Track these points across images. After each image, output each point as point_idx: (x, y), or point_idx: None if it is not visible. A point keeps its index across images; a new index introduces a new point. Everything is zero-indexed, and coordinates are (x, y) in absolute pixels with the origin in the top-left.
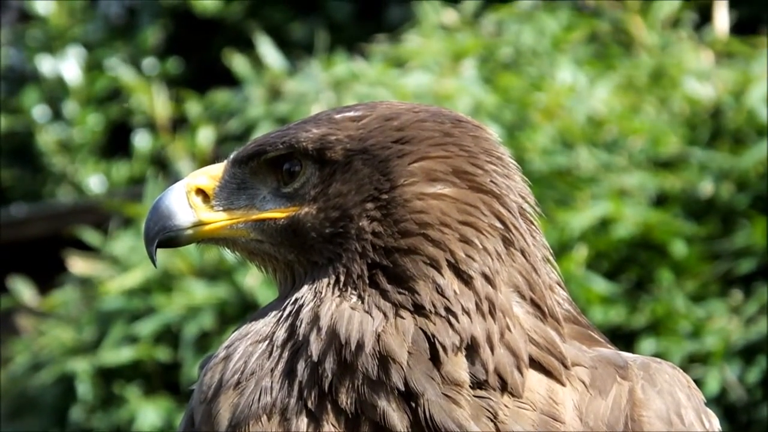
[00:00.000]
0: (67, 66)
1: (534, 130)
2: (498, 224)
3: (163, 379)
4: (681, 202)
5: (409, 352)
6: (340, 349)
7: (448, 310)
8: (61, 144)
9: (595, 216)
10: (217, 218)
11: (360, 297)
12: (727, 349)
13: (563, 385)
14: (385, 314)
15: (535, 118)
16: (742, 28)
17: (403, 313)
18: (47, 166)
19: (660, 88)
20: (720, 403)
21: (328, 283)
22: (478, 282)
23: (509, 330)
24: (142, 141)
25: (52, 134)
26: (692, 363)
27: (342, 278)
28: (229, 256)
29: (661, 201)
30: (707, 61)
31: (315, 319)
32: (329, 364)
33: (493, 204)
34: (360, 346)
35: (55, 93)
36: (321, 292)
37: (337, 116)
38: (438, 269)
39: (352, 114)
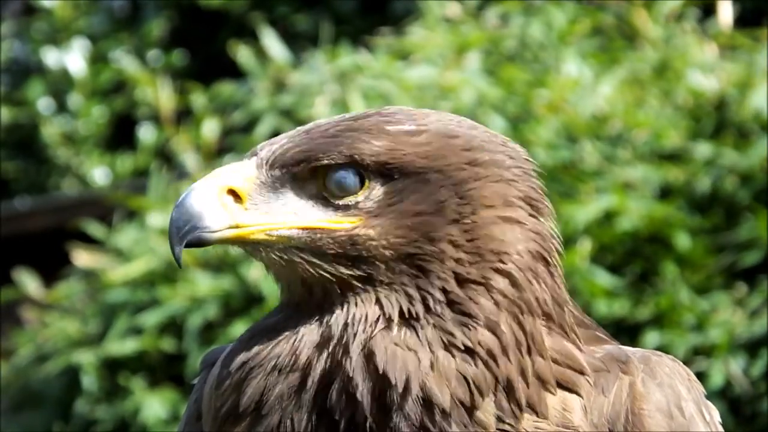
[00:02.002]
0: (72, 58)
1: (538, 123)
2: (551, 249)
3: (167, 371)
4: (685, 195)
5: (450, 397)
6: (387, 390)
7: (490, 353)
8: (66, 136)
9: (600, 209)
10: (254, 222)
11: (417, 329)
12: (732, 342)
13: (578, 394)
14: (435, 353)
15: (539, 111)
16: (745, 21)
17: (454, 351)
18: (51, 159)
19: (664, 81)
20: (724, 396)
21: (383, 309)
22: (528, 320)
23: (541, 358)
24: (146, 133)
25: (56, 126)
26: (696, 356)
27: (404, 305)
28: (244, 256)
29: (665, 194)
30: (711, 54)
31: (369, 354)
32: (370, 405)
33: (547, 230)
34: (407, 389)
35: (60, 85)
36: (375, 320)
37: (390, 128)
38: (499, 306)
39: (405, 128)
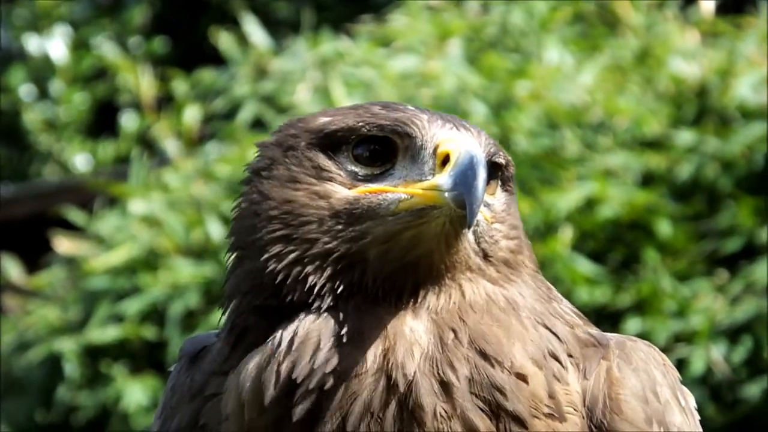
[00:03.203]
0: (54, 45)
1: (520, 110)
2: None
3: (149, 358)
4: (666, 182)
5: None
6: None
7: (563, 329)
8: (47, 123)
9: (581, 196)
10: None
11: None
12: (713, 329)
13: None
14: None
15: (521, 99)
16: (727, 8)
17: (542, 331)
18: (33, 145)
19: (645, 68)
20: (705, 382)
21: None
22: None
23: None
24: (128, 120)
25: (38, 113)
26: (678, 342)
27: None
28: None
29: (646, 181)
30: (693, 42)
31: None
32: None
33: None
34: (510, 367)
35: (42, 72)
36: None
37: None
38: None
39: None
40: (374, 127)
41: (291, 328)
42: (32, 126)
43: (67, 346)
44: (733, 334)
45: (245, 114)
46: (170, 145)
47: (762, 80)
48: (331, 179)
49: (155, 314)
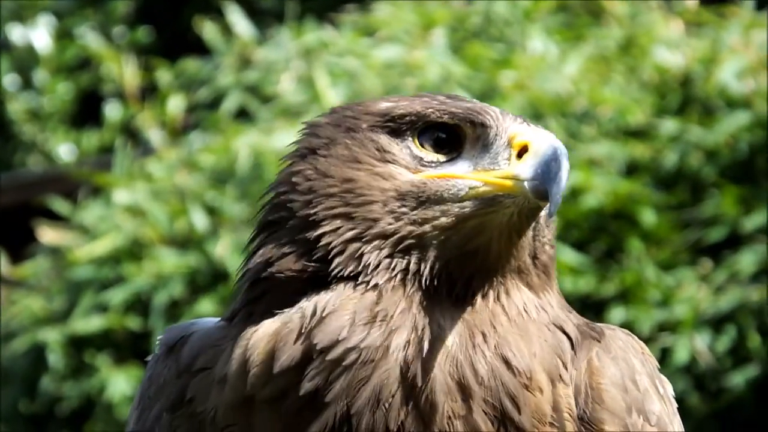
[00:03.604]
0: (38, 35)
1: (503, 99)
2: None
3: (133, 348)
4: (650, 172)
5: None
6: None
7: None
8: (31, 113)
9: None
10: None
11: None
12: (697, 318)
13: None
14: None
15: (505, 89)
16: None
17: (553, 330)
18: (17, 135)
19: (629, 58)
20: (689, 372)
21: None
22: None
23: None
24: (112, 110)
25: (22, 103)
26: (661, 332)
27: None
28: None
29: (630, 170)
30: (677, 31)
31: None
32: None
33: None
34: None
35: (26, 62)
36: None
37: None
38: None
39: None
40: (445, 114)
41: (326, 297)
42: (16, 116)
43: (52, 336)
44: (716, 324)
45: (229, 104)
46: (154, 135)
47: (745, 69)
48: (394, 161)
49: (139, 304)
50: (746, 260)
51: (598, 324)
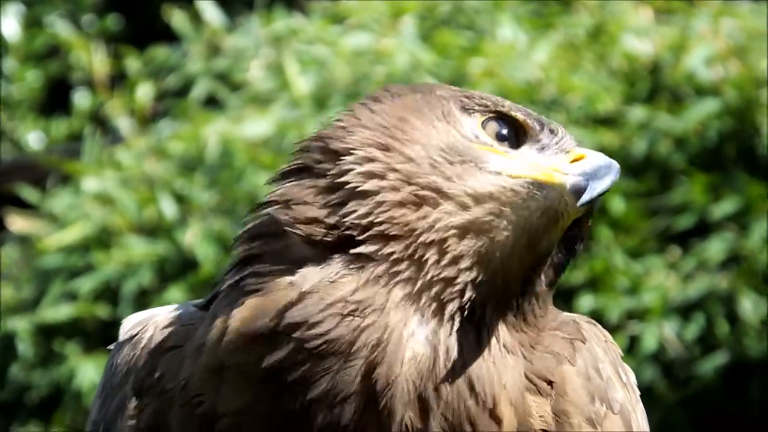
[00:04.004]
0: (6, 22)
1: (473, 87)
2: None
3: (102, 337)
4: (619, 159)
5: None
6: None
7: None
8: (0, 101)
9: None
10: None
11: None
12: (665, 306)
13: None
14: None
15: (474, 76)
16: None
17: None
18: None
19: (599, 45)
20: (658, 360)
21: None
22: None
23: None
24: (81, 98)
25: None
26: (630, 319)
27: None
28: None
29: None
30: (646, 18)
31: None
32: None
33: None
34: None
35: None
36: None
37: None
38: None
39: None
40: (519, 111)
41: (317, 274)
42: None
43: (21, 324)
44: (685, 311)
45: (198, 91)
46: (123, 123)
47: (715, 57)
48: (454, 125)
49: (108, 292)
50: (715, 248)
51: (564, 313)
